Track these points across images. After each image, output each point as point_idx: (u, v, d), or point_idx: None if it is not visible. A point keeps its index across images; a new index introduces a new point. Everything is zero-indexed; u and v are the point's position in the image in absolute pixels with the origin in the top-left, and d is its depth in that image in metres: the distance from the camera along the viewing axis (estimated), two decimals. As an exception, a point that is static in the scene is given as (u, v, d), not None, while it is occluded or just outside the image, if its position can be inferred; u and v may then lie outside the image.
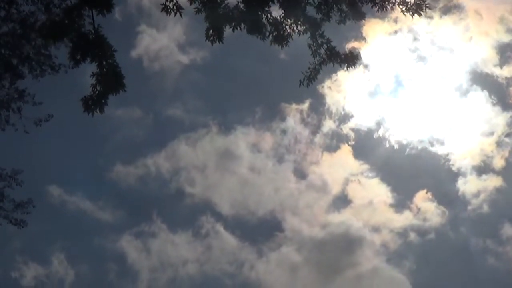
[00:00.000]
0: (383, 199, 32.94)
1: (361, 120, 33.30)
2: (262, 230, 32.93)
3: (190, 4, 8.90)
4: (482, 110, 32.85)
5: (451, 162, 32.36)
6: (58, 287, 30.20)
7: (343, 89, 32.68)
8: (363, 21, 9.54)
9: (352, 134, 33.10)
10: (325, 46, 9.39)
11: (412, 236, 31.78)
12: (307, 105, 33.46)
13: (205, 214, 32.95)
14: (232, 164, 34.84)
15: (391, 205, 32.73)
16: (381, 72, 32.20)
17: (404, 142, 33.39)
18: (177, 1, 8.66)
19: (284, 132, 34.17)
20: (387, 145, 32.87)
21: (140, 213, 32.82)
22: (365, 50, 29.30)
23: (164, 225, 32.18)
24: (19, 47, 14.91)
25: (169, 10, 8.71)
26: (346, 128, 33.15)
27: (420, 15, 9.11)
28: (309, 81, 9.54)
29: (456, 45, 33.33)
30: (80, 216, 31.83)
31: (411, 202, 33.01)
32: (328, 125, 33.48)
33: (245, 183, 34.41)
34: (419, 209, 32.10)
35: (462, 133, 34.35)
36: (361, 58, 9.54)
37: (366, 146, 33.82)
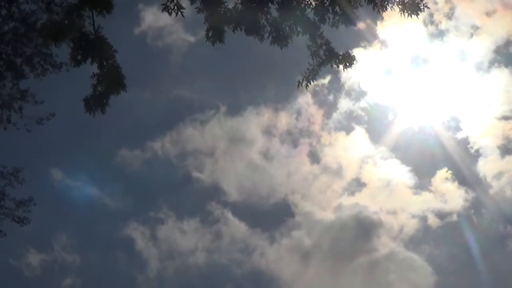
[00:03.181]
0: (400, 181, 31.83)
1: (377, 99, 32.02)
2: (273, 216, 31.89)
3: (191, 4, 8.99)
4: (505, 89, 31.56)
5: (471, 143, 31.22)
6: (62, 275, 29.62)
7: (359, 67, 31.12)
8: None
9: (367, 114, 31.89)
10: (324, 47, 9.47)
11: (432, 219, 30.63)
12: (326, 80, 31.89)
13: (214, 200, 32.19)
14: (243, 147, 33.65)
15: (409, 187, 31.61)
16: (398, 48, 30.12)
17: (423, 121, 31.93)
18: (177, 1, 8.73)
19: (298, 112, 32.72)
20: (404, 125, 31.56)
21: (146, 199, 31.72)
22: (382, 26, 28.09)
23: (172, 212, 31.33)
24: (20, 46, 15.00)
25: (170, 10, 8.80)
26: (361, 108, 31.95)
27: (418, 15, 9.27)
28: (308, 81, 9.64)
29: (478, 18, 31.69)
30: (85, 202, 30.81)
31: (430, 184, 31.73)
32: (344, 104, 32.24)
33: (256, 167, 33.17)
34: (438, 191, 30.95)
35: (483, 113, 32.73)
36: (355, 59, 9.60)
37: (382, 126, 32.58)
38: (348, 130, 33.22)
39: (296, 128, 33.24)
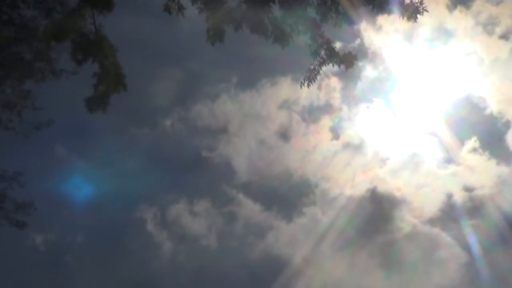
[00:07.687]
0: (425, 154, 30.17)
1: (401, 70, 30.39)
2: (289, 196, 30.26)
3: (192, 5, 9.01)
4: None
5: (499, 115, 29.63)
6: (69, 257, 28.27)
7: (383, 33, 29.52)
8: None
9: (390, 86, 30.13)
10: (325, 46, 9.47)
11: (460, 193, 28.34)
12: (355, 45, 28.87)
13: (226, 181, 30.56)
14: (257, 123, 31.86)
15: (435, 160, 29.90)
16: (421, 18, 29.25)
17: (448, 92, 30.24)
18: (179, 1, 8.77)
19: (319, 83, 31.46)
20: (429, 96, 29.35)
21: (156, 179, 29.66)
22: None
23: (183, 193, 29.86)
24: (21, 51, 15.05)
25: (171, 10, 8.84)
26: (384, 79, 30.23)
27: (416, 19, 9.26)
28: (309, 81, 9.63)
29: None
30: (93, 183, 28.23)
31: (457, 157, 29.79)
32: (367, 74, 30.69)
33: (272, 144, 31.42)
34: (467, 164, 29.18)
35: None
36: (357, 59, 9.59)
37: (406, 98, 30.29)
38: (371, 102, 31.62)
39: (316, 101, 31.05)
